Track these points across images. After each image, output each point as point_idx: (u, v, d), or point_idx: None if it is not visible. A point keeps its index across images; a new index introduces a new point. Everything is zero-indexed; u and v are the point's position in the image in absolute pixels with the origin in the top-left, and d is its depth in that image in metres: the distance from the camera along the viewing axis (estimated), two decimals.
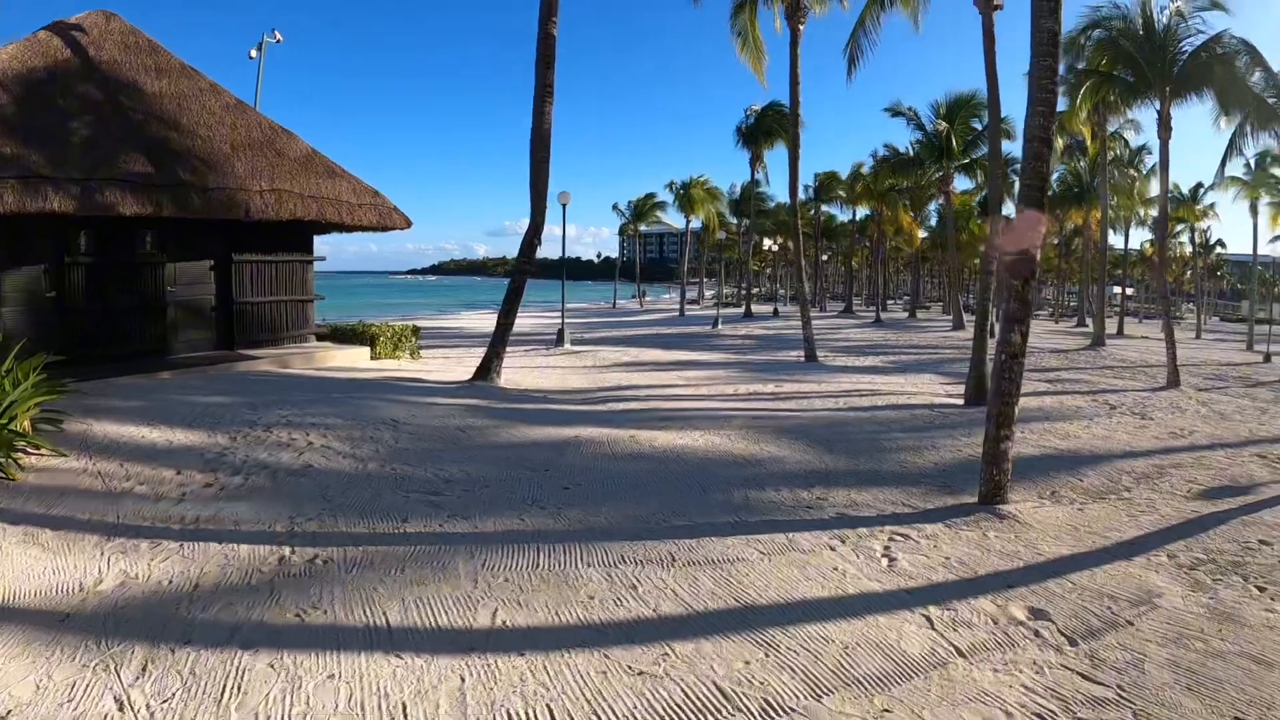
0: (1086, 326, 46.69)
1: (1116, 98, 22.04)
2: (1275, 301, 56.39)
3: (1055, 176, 40.09)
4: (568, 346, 24.55)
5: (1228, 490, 9.04)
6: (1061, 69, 29.11)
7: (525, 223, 15.48)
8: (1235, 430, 14.06)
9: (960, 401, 14.72)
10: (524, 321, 42.53)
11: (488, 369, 15.01)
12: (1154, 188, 42.45)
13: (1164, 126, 20.14)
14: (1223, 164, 27.37)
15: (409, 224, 17.10)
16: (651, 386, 15.79)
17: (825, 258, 74.74)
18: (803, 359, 21.39)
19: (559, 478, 7.89)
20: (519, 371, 17.81)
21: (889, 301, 66.18)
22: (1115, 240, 51.48)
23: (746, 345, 28.22)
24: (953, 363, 22.76)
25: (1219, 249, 70.77)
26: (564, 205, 25.42)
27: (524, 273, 15.89)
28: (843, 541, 6.24)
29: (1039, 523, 7.10)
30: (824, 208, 59.58)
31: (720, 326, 36.98)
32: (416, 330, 19.42)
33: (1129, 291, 58.36)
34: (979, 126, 36.46)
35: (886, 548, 6.14)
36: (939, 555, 6.04)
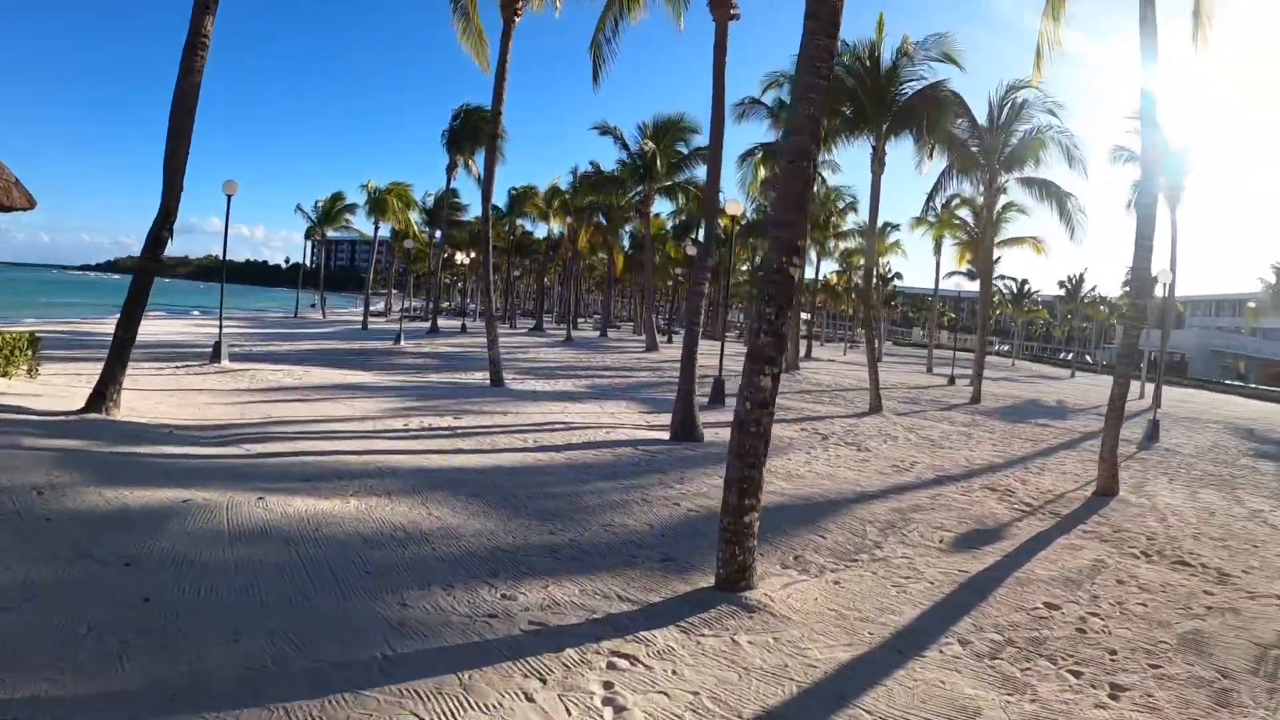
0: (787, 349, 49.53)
1: (836, 131, 22.82)
2: (941, 330, 63.80)
3: (753, 206, 41.78)
4: (225, 363, 20.70)
5: (979, 535, 8.94)
6: (770, 99, 30.71)
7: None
8: (953, 459, 14.47)
9: (665, 435, 13.61)
10: (187, 331, 37.88)
11: (102, 396, 11.91)
12: (848, 222, 46.27)
13: (878, 161, 21.50)
14: (928, 202, 29.87)
15: (32, 204, 13.49)
16: (309, 421, 13.12)
17: (518, 273, 73.87)
18: (488, 382, 19.49)
19: (141, 580, 5.35)
20: (155, 396, 14.54)
21: (580, 320, 66.24)
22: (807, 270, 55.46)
23: (429, 364, 25.72)
24: (649, 388, 22.01)
25: (896, 281, 78.64)
26: (229, 196, 21.31)
27: (148, 272, 12.92)
28: (544, 679, 4.40)
29: (797, 612, 5.86)
30: (522, 222, 58.40)
31: (403, 342, 33.96)
32: (34, 340, 15.40)
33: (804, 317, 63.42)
34: (684, 150, 37.04)
35: (608, 684, 4.41)
36: (684, 690, 4.43)
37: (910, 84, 21.11)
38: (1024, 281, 67.74)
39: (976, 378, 26.84)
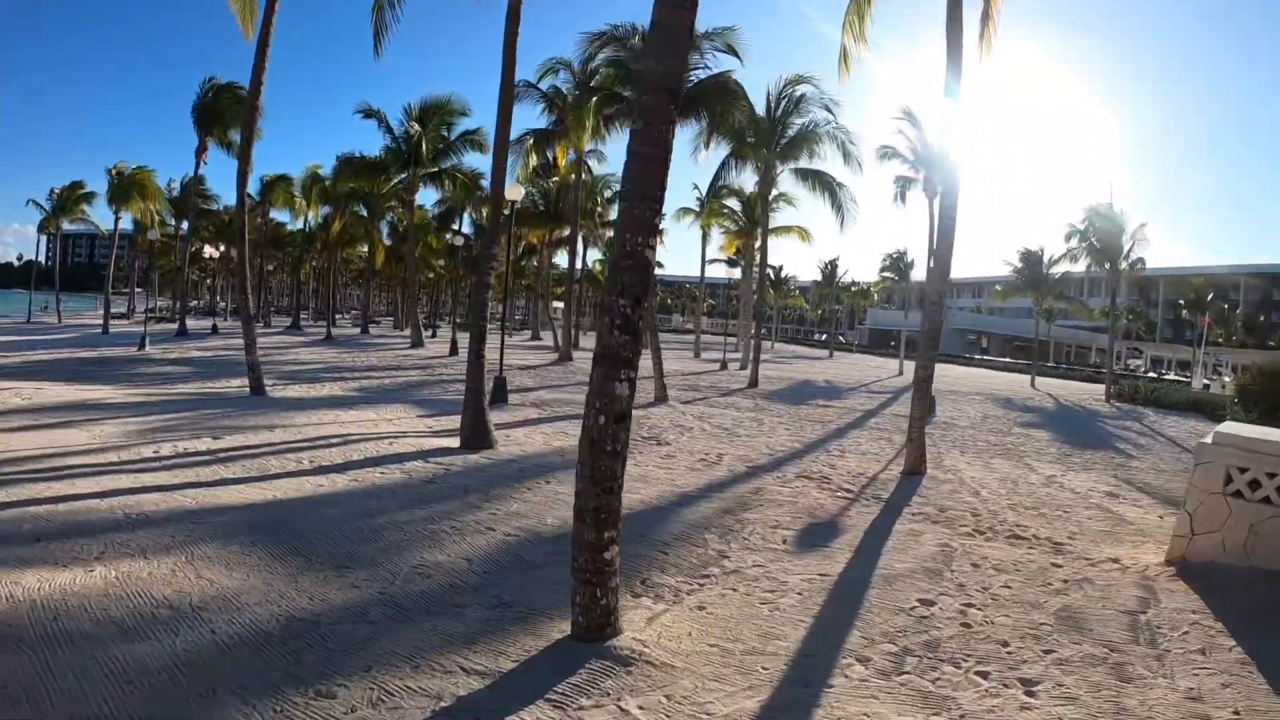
0: (541, 340, 48.82)
1: (615, 117, 22.30)
2: (704, 316, 65.38)
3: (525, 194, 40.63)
4: None
5: (818, 531, 8.79)
6: (546, 86, 29.77)
7: None
8: (755, 447, 14.43)
9: (455, 443, 12.50)
10: None
11: None
12: (613, 212, 45.92)
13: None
14: (710, 190, 29.96)
15: None
16: (40, 455, 10.35)
17: (271, 268, 68.16)
18: (248, 390, 17.25)
19: None
20: None
21: (337, 317, 62.10)
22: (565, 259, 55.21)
23: (179, 373, 22.34)
24: (423, 388, 20.62)
25: (658, 269, 79.50)
26: None
27: None
28: None
29: (678, 655, 5.17)
30: (277, 216, 54.15)
31: (149, 348, 29.48)
32: None
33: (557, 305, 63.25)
34: (449, 135, 35.29)
35: None
36: None
37: (695, 72, 21.12)
38: (780, 268, 70.89)
39: (753, 363, 27.49)
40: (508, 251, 21.96)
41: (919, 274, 52.86)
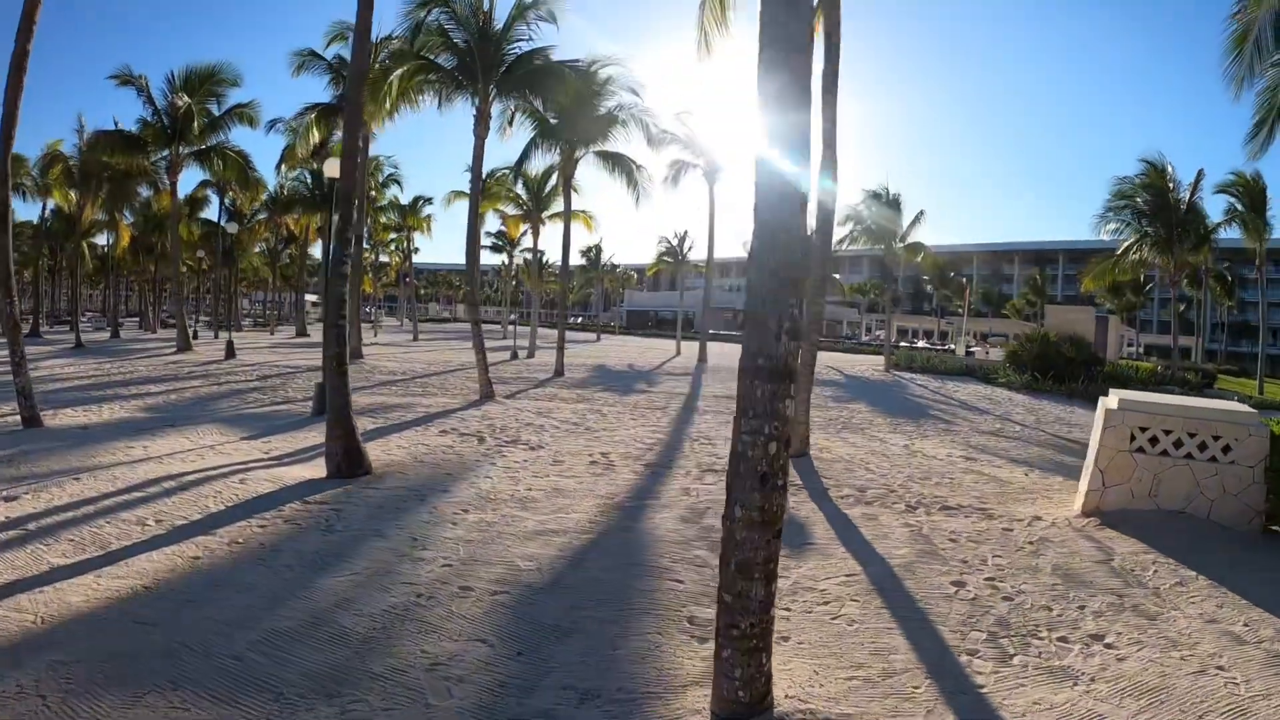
0: (310, 337, 45.13)
1: (437, 87, 20.34)
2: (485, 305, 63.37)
3: (296, 174, 36.76)
4: None
5: (789, 527, 7.49)
6: (332, 55, 26.57)
7: None
8: (623, 441, 13.57)
9: (318, 472, 10.27)
10: None
11: None
12: (385, 197, 42.87)
13: (482, 123, 19.88)
14: (517, 170, 28.36)
15: None
16: None
17: None
18: (20, 422, 13.23)
19: None
20: None
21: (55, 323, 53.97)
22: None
23: None
24: (219, 402, 17.55)
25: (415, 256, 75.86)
26: None
27: None
28: None
29: (842, 703, 4.60)
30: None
31: None
32: None
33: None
34: (216, 109, 31.03)
35: None
36: None
37: (519, 44, 19.83)
38: (543, 253, 70.04)
39: (559, 351, 26.70)
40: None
41: (695, 256, 54.39)
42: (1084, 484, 9.16)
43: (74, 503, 8.41)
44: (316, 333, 50.38)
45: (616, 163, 27.62)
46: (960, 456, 13.18)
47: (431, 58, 19.96)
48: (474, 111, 19.89)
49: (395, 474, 10.47)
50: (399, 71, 19.58)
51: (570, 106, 22.30)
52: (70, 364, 25.78)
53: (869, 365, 37.31)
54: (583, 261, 66.90)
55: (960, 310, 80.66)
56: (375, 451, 11.44)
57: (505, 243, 50.47)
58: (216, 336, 42.35)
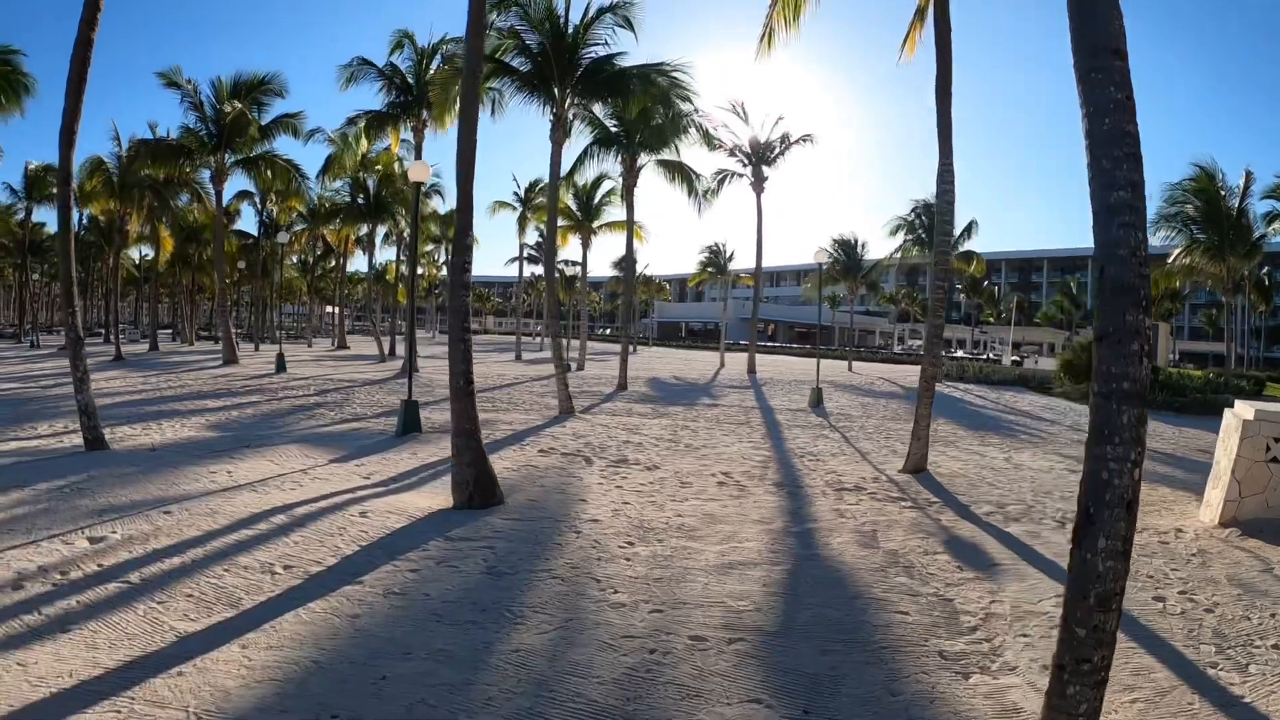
0: (350, 349, 44.18)
1: (498, 93, 19.21)
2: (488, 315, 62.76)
3: (341, 184, 35.67)
4: None
5: (968, 552, 7.69)
6: (384, 63, 25.45)
7: None
8: (732, 459, 12.73)
9: (442, 500, 8.94)
10: None
11: None
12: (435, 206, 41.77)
13: (559, 129, 18.86)
14: (568, 178, 27.24)
15: None
16: None
17: (37, 276, 57.19)
18: (83, 445, 11.78)
19: None
20: None
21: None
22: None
23: None
24: (289, 419, 16.18)
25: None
26: None
27: None
28: None
29: None
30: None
31: None
32: None
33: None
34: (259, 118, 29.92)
35: None
36: None
37: (594, 49, 18.70)
38: (574, 263, 68.73)
39: (622, 365, 25.54)
40: (414, 243, 18.17)
41: (737, 265, 53.14)
42: (1218, 494, 8.92)
43: (175, 544, 6.94)
44: (356, 345, 49.69)
45: (677, 172, 26.59)
46: (1063, 469, 12.61)
47: (505, 60, 18.79)
48: (550, 117, 18.86)
49: (526, 502, 9.14)
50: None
51: (636, 114, 21.21)
52: (114, 377, 24.42)
53: (918, 375, 35.88)
54: (614, 273, 65.49)
55: (991, 319, 79.20)
56: (513, 479, 10.35)
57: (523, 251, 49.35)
58: (257, 349, 41.35)
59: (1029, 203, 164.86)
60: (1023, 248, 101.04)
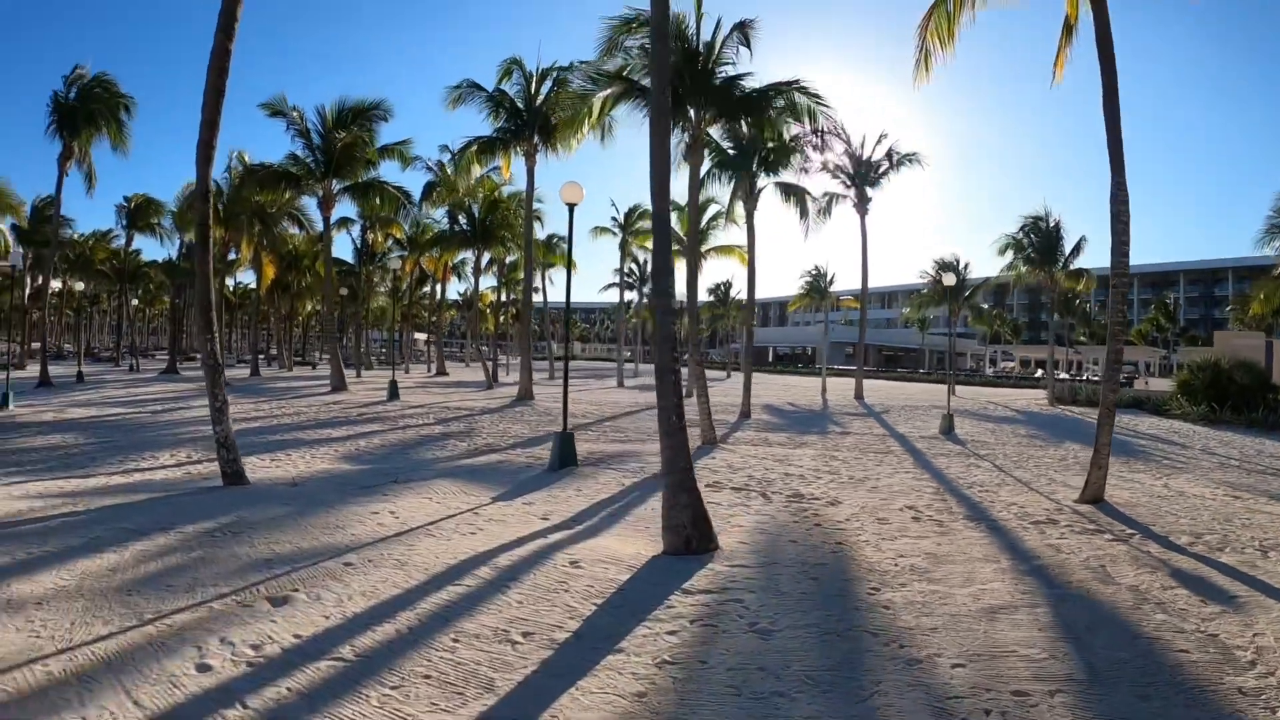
0: (449, 375, 44.02)
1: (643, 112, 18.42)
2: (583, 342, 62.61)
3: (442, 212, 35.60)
4: None
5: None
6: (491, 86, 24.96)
7: None
8: (910, 492, 11.81)
9: (650, 548, 7.84)
10: None
11: None
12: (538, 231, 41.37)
13: (695, 151, 18.12)
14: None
15: None
16: None
17: (135, 302, 58.97)
18: (221, 479, 10.77)
19: None
20: None
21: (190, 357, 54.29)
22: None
23: (76, 446, 15.07)
24: (420, 449, 15.26)
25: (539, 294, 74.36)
26: None
27: None
28: None
29: None
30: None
31: (13, 406, 21.04)
32: None
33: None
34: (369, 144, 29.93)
35: None
36: None
37: (724, 68, 18.00)
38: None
39: (745, 390, 24.34)
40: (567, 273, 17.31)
41: (837, 287, 51.63)
42: None
43: (376, 606, 5.76)
44: (455, 371, 49.55)
45: (793, 194, 25.47)
46: (1224, 495, 12.09)
47: (634, 80, 17.87)
48: (685, 140, 18.00)
49: (738, 545, 8.04)
50: (604, 94, 17.39)
51: (767, 135, 20.21)
52: (244, 404, 24.22)
53: (1028, 399, 34.62)
54: (709, 298, 64.36)
55: (1084, 338, 75.47)
56: (727, 515, 9.44)
57: (640, 280, 48.47)
58: (359, 375, 41.21)
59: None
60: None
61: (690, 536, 7.60)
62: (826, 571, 7.21)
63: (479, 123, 29.17)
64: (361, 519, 8.73)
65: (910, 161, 33.04)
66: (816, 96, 18.56)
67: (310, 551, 7.29)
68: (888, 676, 4.86)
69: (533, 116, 26.00)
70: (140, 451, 14.41)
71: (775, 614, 5.95)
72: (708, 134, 20.11)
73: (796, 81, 18.62)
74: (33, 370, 35.68)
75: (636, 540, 8.12)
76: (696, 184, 18.32)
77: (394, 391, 26.87)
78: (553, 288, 52.79)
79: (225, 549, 7.30)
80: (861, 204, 33.39)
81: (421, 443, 16.41)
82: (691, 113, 17.57)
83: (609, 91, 17.32)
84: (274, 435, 17.02)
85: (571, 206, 13.68)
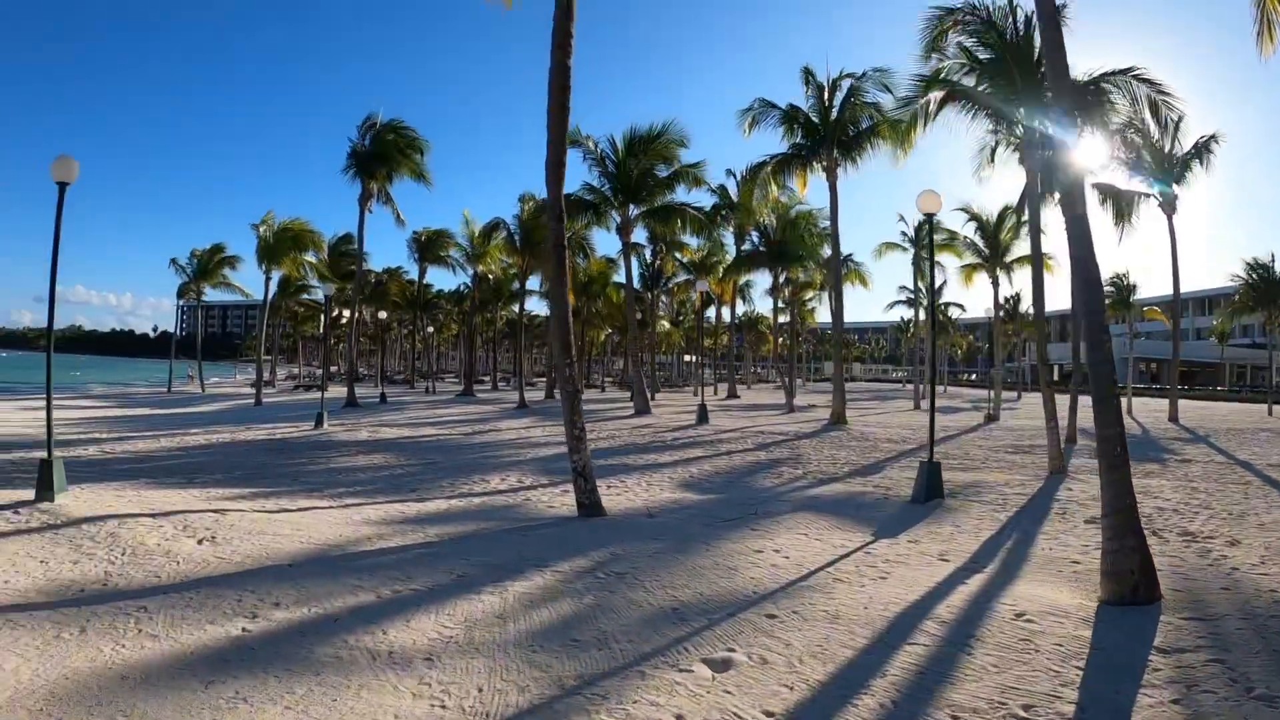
0: (739, 397, 44.20)
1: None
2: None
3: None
4: (61, 502, 10.17)
5: None
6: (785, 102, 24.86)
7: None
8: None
9: (1065, 592, 7.16)
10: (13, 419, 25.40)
11: None
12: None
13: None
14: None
15: None
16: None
17: (431, 329, 65.97)
18: (576, 509, 11.08)
19: None
20: None
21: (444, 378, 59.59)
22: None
23: (391, 467, 16.17)
24: (753, 477, 15.07)
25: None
26: (63, 184, 10.93)
27: None
28: None
29: None
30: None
31: (327, 425, 23.37)
32: None
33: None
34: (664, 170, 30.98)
35: None
36: None
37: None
38: (949, 305, 63.96)
39: (1071, 414, 21.77)
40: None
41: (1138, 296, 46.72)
42: None
43: (838, 673, 5.30)
44: (743, 393, 50.10)
45: (1109, 195, 23.14)
46: None
47: (954, 81, 16.85)
48: (1013, 143, 17.59)
49: (1169, 593, 7.06)
50: (930, 97, 16.51)
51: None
52: (532, 425, 25.67)
53: None
54: (981, 315, 60.43)
55: None
56: (1077, 566, 8.34)
57: (918, 295, 46.47)
58: (653, 397, 42.64)
59: None
60: None
61: (1139, 584, 6.85)
62: None
63: (761, 142, 29.07)
64: (748, 557, 8.56)
65: (1212, 148, 28.68)
66: (1158, 85, 16.64)
67: (716, 600, 6.98)
68: None
69: (829, 130, 25.47)
70: (467, 475, 14.99)
71: (1265, 675, 5.20)
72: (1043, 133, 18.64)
73: (1132, 68, 16.82)
74: (335, 391, 40.07)
75: (1061, 586, 7.42)
76: (1036, 194, 16.88)
77: (703, 415, 27.14)
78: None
79: (618, 594, 7.07)
80: (1168, 203, 29.69)
81: (754, 470, 16.32)
82: (1036, 109, 16.06)
83: (931, 97, 16.46)
84: (597, 460, 17.50)
85: (930, 215, 13.18)
